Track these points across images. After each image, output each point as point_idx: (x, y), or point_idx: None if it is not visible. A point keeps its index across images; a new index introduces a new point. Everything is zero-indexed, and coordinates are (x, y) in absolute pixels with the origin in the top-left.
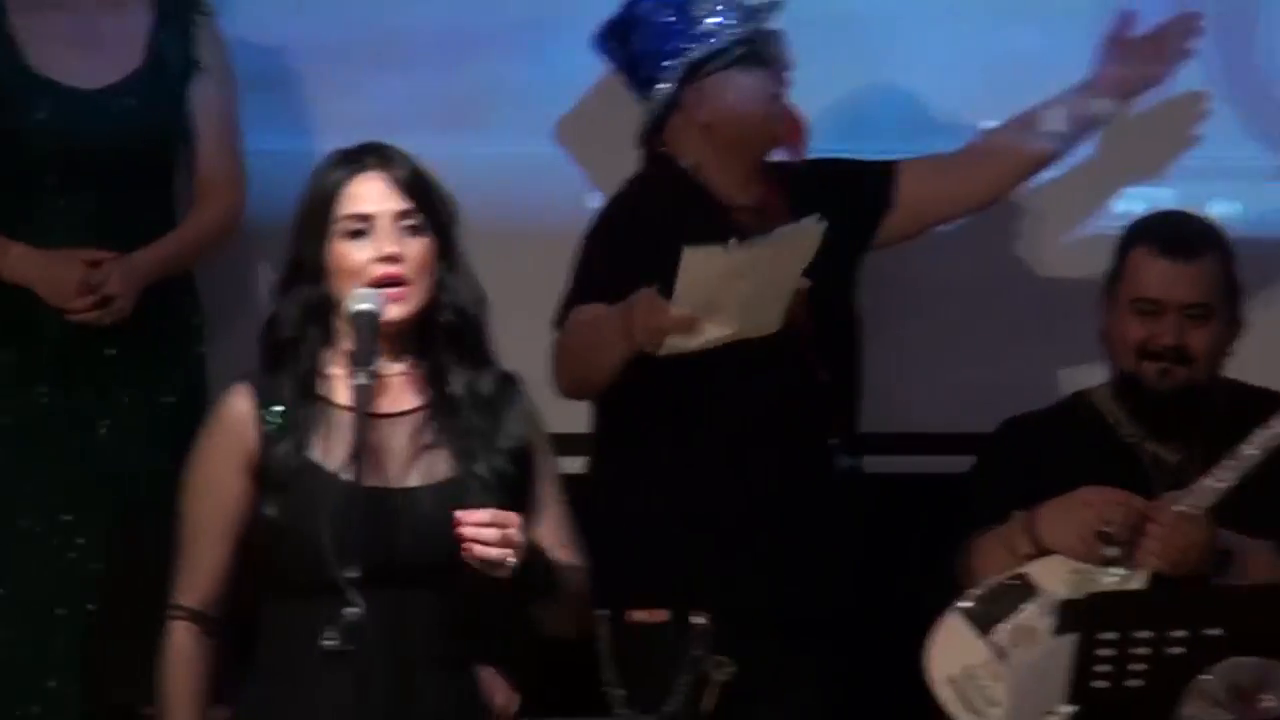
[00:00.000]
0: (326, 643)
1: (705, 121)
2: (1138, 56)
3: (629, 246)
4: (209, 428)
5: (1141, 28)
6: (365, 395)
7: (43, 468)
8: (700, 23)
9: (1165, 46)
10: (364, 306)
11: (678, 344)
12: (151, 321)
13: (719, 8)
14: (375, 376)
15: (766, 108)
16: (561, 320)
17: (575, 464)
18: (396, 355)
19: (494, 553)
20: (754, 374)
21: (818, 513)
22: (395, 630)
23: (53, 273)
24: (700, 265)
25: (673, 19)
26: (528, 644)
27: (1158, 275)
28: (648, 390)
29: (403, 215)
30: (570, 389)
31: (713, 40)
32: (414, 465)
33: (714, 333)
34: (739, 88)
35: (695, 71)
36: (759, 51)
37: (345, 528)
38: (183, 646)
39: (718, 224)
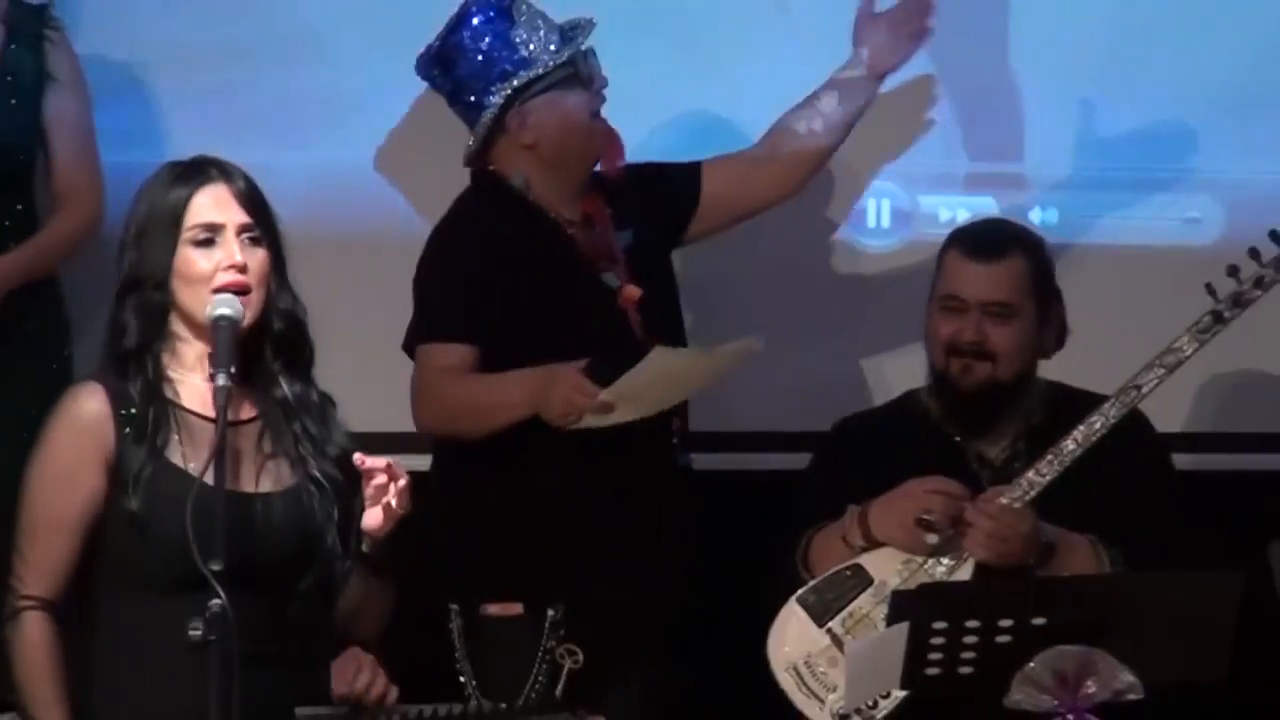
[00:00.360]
0: (192, 633)
1: (530, 142)
2: (884, 35)
3: (472, 271)
4: (60, 424)
5: (882, 6)
6: (225, 396)
7: None
8: (520, 48)
9: (907, 25)
10: (224, 311)
11: (590, 421)
12: (16, 324)
13: (538, 33)
14: (231, 379)
15: (587, 126)
16: (412, 350)
17: (421, 462)
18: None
19: (390, 492)
20: (595, 373)
21: (661, 507)
22: (245, 627)
23: None
24: (660, 363)
25: (493, 45)
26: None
27: (963, 275)
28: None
29: (245, 227)
30: (438, 430)
31: (534, 65)
32: (263, 471)
33: (625, 416)
34: (560, 109)
35: (518, 95)
36: (577, 72)
37: (207, 527)
38: (40, 636)
39: (551, 238)
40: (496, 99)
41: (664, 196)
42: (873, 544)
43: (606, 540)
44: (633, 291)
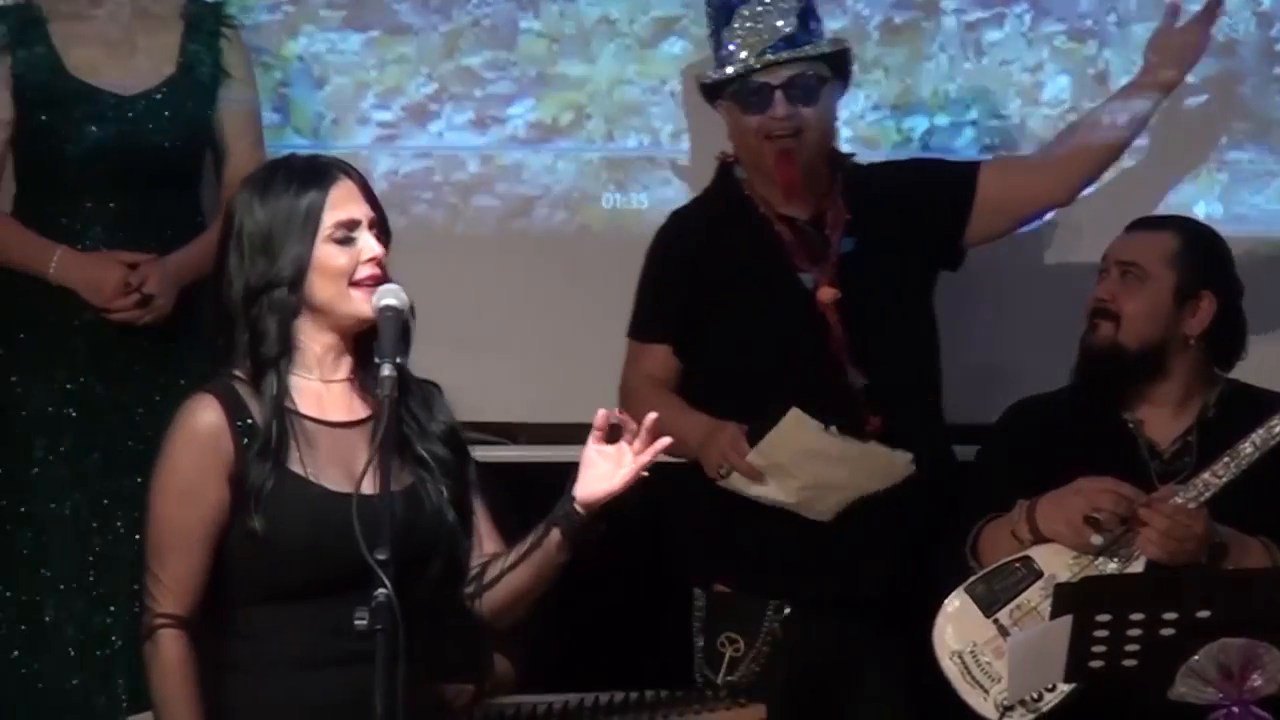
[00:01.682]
0: (358, 623)
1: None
2: (1174, 48)
3: (670, 268)
4: (179, 439)
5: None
6: (391, 386)
7: (86, 455)
8: (725, 44)
9: (1194, 36)
10: (390, 301)
11: (736, 484)
12: (187, 319)
13: (742, 39)
14: (398, 369)
15: (754, 147)
16: (636, 331)
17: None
18: (341, 358)
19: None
20: (786, 378)
21: (877, 511)
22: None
23: (94, 275)
24: (795, 429)
25: (715, 30)
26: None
27: (1116, 240)
28: (720, 394)
29: (375, 221)
30: None
31: (722, 66)
32: (373, 470)
33: (772, 494)
34: (732, 121)
35: (715, 89)
36: (758, 91)
37: (334, 530)
38: (175, 655)
39: (755, 233)
40: (704, 83)
41: (932, 202)
42: (1039, 539)
43: (817, 540)
44: (827, 293)
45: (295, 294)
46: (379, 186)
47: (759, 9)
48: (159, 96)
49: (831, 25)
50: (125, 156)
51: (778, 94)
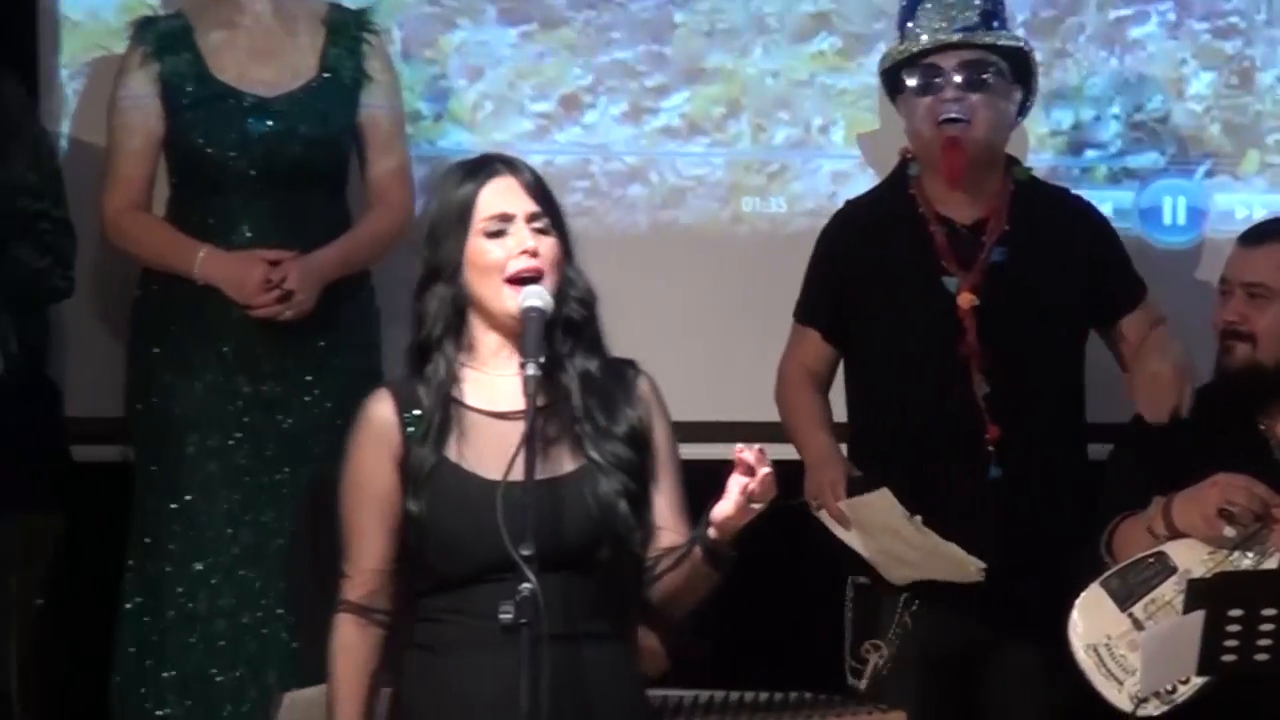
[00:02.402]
0: (503, 616)
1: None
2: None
3: (835, 260)
4: (357, 434)
5: None
6: (534, 385)
7: (235, 452)
8: (904, 31)
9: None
10: (534, 303)
11: (824, 518)
12: (335, 313)
13: (922, 22)
14: (540, 368)
15: (922, 134)
16: (797, 313)
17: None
18: (513, 353)
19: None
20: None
21: (969, 515)
22: (554, 609)
23: (237, 272)
24: (881, 505)
25: (901, 22)
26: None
27: (1231, 258)
28: (862, 381)
29: (534, 215)
30: None
31: (906, 44)
32: (549, 458)
33: (853, 542)
34: (906, 108)
35: (894, 79)
36: (930, 71)
37: (494, 521)
38: (346, 638)
39: (910, 232)
40: (884, 67)
41: (1098, 285)
42: (1175, 534)
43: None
44: (966, 299)
45: (452, 286)
46: None
47: (946, 1)
48: (301, 98)
49: None
50: (269, 156)
51: (948, 75)
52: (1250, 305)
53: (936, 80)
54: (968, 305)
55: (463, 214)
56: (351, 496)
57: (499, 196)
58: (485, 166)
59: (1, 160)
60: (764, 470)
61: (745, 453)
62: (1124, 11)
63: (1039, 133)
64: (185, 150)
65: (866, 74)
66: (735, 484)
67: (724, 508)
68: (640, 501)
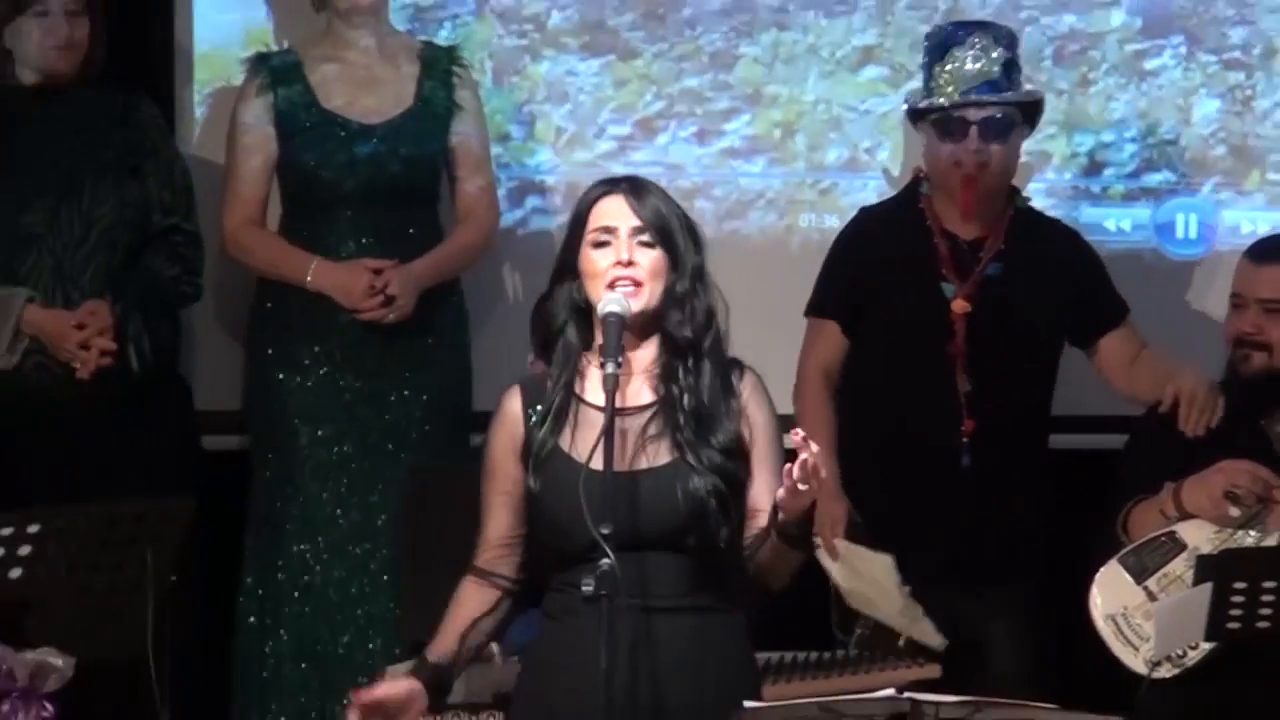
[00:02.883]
0: (585, 589)
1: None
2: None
3: (850, 261)
4: (493, 424)
5: None
6: (613, 384)
7: (343, 441)
8: (934, 77)
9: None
10: (612, 308)
11: (818, 549)
12: (430, 316)
13: (947, 75)
14: (620, 367)
15: (942, 171)
16: (811, 308)
17: None
18: (636, 350)
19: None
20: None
21: (945, 503)
22: (634, 583)
23: (345, 280)
24: (879, 564)
25: (926, 65)
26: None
27: (1244, 275)
28: (862, 369)
29: (637, 230)
30: None
31: (926, 98)
32: (642, 452)
33: (836, 575)
34: (928, 145)
35: (919, 115)
36: (954, 123)
37: (592, 501)
38: (463, 591)
39: (916, 242)
40: (906, 108)
41: (1079, 302)
42: (1185, 515)
43: (889, 526)
44: (960, 305)
45: (568, 287)
46: None
47: (971, 51)
48: (399, 126)
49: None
50: (372, 177)
51: (973, 129)
52: (1265, 318)
53: (961, 130)
54: (960, 311)
55: (578, 224)
56: (484, 476)
57: (607, 211)
58: (608, 184)
59: (138, 178)
60: (804, 455)
61: (795, 435)
62: (1141, 45)
63: (1063, 154)
64: (297, 172)
65: (903, 99)
66: (787, 472)
67: (779, 494)
68: (730, 500)
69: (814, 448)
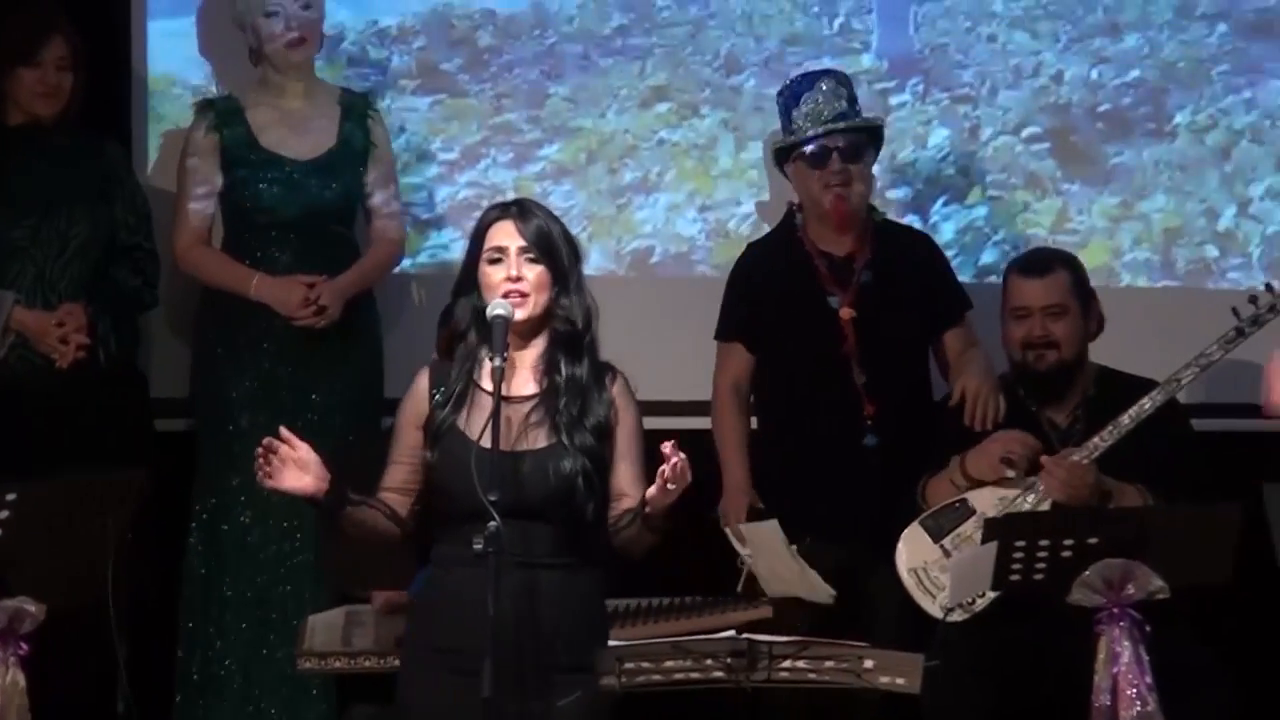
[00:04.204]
0: (475, 546)
1: (795, 191)
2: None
3: (744, 290)
4: (405, 395)
5: None
6: (499, 374)
7: (279, 421)
8: (796, 118)
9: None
10: (499, 311)
11: (730, 535)
12: (353, 320)
13: (811, 112)
14: (506, 360)
15: (813, 197)
16: (719, 334)
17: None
18: (524, 349)
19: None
20: (811, 373)
21: (848, 480)
22: (516, 543)
23: (283, 293)
24: (769, 533)
25: (786, 106)
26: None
27: (1024, 289)
28: (771, 380)
29: (524, 250)
30: None
31: (792, 136)
32: (524, 436)
33: (746, 557)
34: (798, 177)
35: (785, 153)
36: (820, 153)
37: (481, 473)
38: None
39: (798, 263)
40: (772, 150)
41: (927, 300)
42: (971, 482)
43: (795, 497)
44: (846, 312)
45: (472, 296)
46: (440, 209)
47: (820, 95)
48: (324, 162)
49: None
50: (302, 204)
51: (835, 154)
52: (1051, 321)
53: (826, 157)
54: (847, 317)
55: (477, 243)
56: (394, 435)
57: (500, 234)
58: (500, 209)
59: (107, 203)
60: (676, 459)
61: (665, 446)
62: (887, 84)
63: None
64: (238, 200)
65: (692, 131)
66: (660, 473)
67: (650, 491)
68: (596, 478)
69: (681, 456)
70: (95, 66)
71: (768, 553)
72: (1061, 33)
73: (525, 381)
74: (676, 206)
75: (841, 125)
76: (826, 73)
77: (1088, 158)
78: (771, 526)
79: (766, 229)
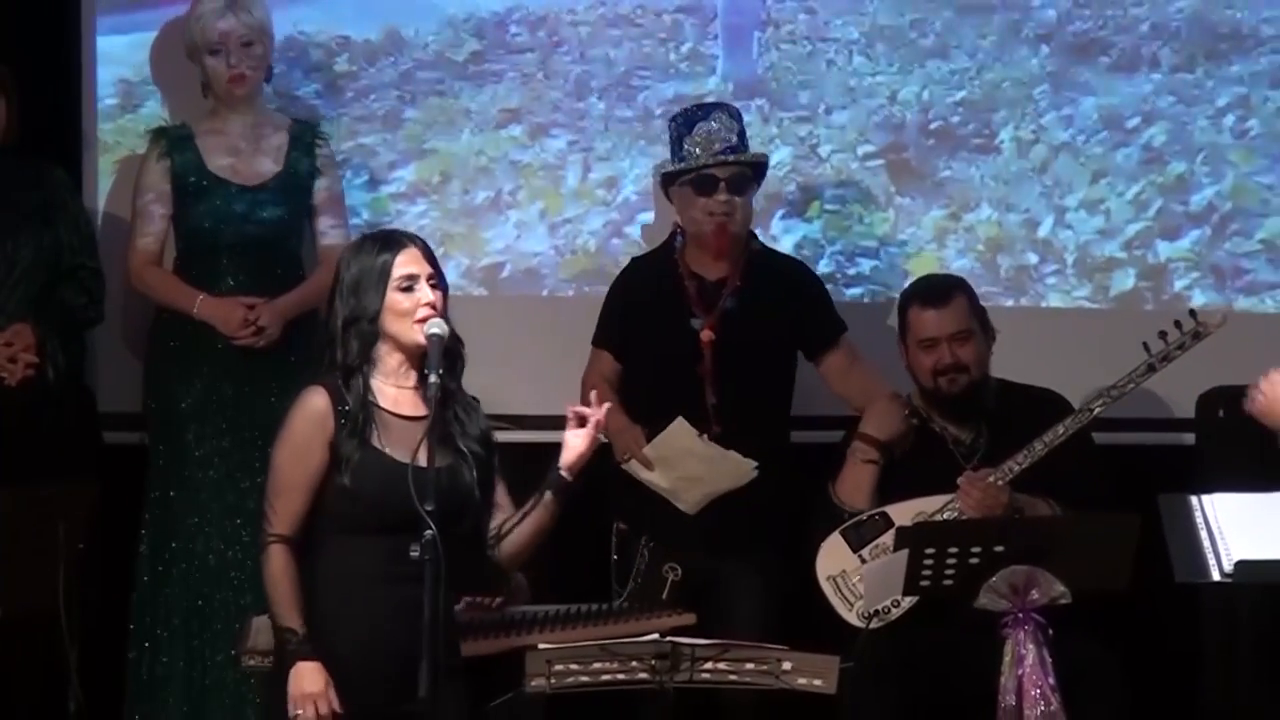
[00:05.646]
0: (413, 553)
1: (678, 215)
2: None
3: (619, 303)
4: (298, 414)
5: None
6: (437, 390)
7: (222, 438)
8: (686, 146)
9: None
10: (435, 330)
11: (633, 468)
12: (293, 339)
13: (699, 142)
14: (441, 376)
15: (696, 221)
16: (594, 340)
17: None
18: (409, 371)
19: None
20: (669, 389)
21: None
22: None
23: (224, 313)
24: (679, 432)
25: (678, 136)
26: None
27: (928, 320)
28: (633, 390)
29: (430, 276)
30: None
31: (681, 161)
32: (424, 448)
33: (656, 480)
34: (682, 202)
35: (672, 178)
36: (706, 181)
37: (405, 490)
38: (283, 562)
39: (669, 284)
40: (660, 174)
41: (803, 324)
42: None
43: (641, 504)
44: (706, 335)
45: (374, 325)
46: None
47: (713, 125)
48: (271, 187)
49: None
50: (248, 229)
51: (722, 184)
52: (959, 347)
53: (713, 186)
54: (707, 340)
55: (383, 275)
56: (286, 458)
57: (409, 262)
58: (397, 240)
59: (51, 227)
60: (597, 413)
61: (583, 408)
62: (739, 103)
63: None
64: (188, 223)
65: (543, 152)
66: (574, 435)
67: (567, 456)
68: (489, 489)
69: (605, 406)
70: (46, 92)
71: (680, 457)
72: (896, 56)
73: (415, 401)
74: (526, 224)
75: (730, 158)
76: (720, 106)
77: (919, 173)
78: (677, 424)
79: (616, 244)
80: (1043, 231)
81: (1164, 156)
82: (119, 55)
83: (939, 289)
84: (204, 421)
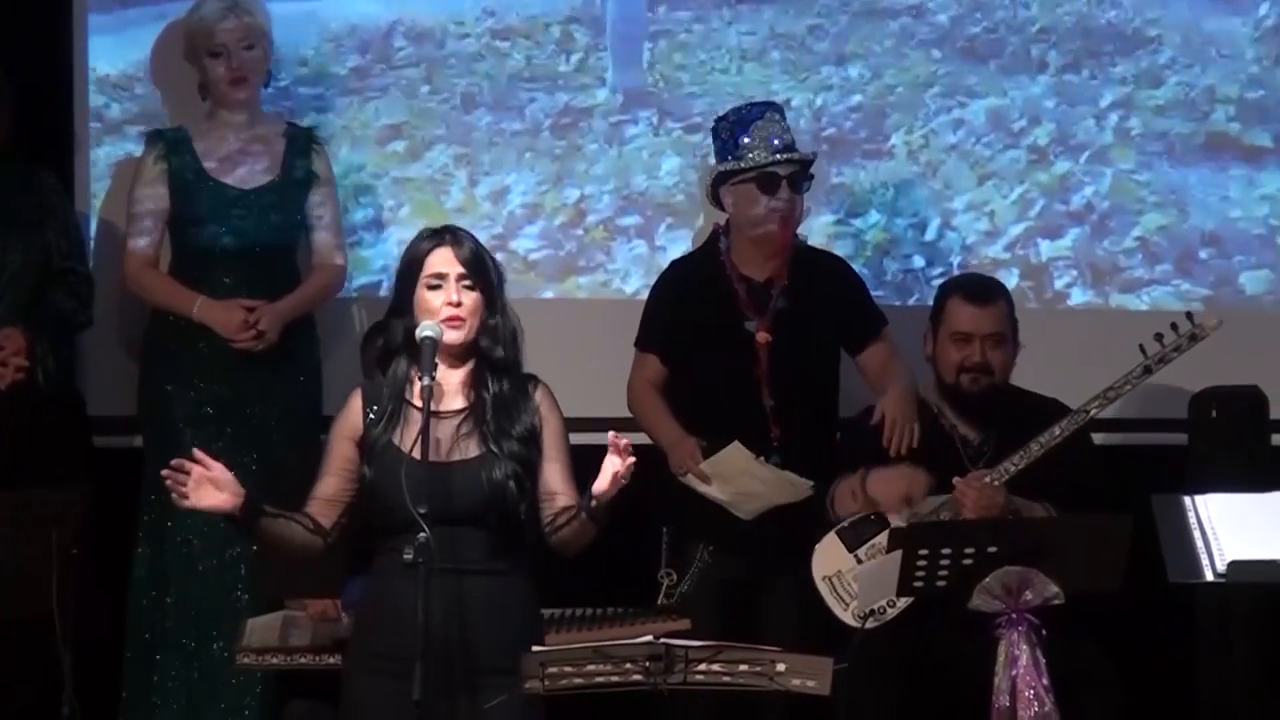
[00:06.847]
0: (405, 556)
1: (729, 215)
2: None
3: (664, 303)
4: (340, 413)
5: None
6: (429, 393)
7: (218, 441)
8: (742, 147)
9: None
10: (427, 333)
11: (690, 481)
12: (293, 342)
13: (758, 143)
14: (434, 380)
15: (757, 219)
16: (638, 343)
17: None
18: (455, 368)
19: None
20: (724, 394)
21: None
22: (447, 551)
23: (224, 316)
24: (737, 455)
25: (734, 135)
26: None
27: (967, 314)
28: (686, 396)
29: (462, 276)
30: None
31: (738, 161)
32: (456, 447)
33: (714, 493)
34: (742, 198)
35: (725, 178)
36: (768, 179)
37: (412, 486)
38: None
39: (718, 286)
40: (713, 174)
41: (847, 319)
42: (866, 499)
43: (698, 511)
44: (762, 337)
45: (407, 319)
46: None
47: (768, 124)
48: (268, 191)
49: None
50: (245, 231)
51: (784, 182)
52: (991, 349)
53: (776, 184)
54: (763, 341)
55: (414, 269)
56: (327, 450)
57: (440, 260)
58: (437, 236)
59: (40, 231)
60: (629, 460)
61: (620, 440)
62: (622, 117)
63: (552, 204)
64: (185, 225)
65: (426, 167)
66: (609, 465)
67: (600, 484)
68: (527, 480)
69: (630, 458)
70: (42, 95)
71: (736, 476)
72: (789, 63)
73: (454, 397)
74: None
75: (796, 155)
76: (770, 105)
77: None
78: (734, 448)
79: (501, 258)
80: (929, 235)
81: (1049, 156)
82: (111, 56)
83: (984, 287)
84: (199, 424)
